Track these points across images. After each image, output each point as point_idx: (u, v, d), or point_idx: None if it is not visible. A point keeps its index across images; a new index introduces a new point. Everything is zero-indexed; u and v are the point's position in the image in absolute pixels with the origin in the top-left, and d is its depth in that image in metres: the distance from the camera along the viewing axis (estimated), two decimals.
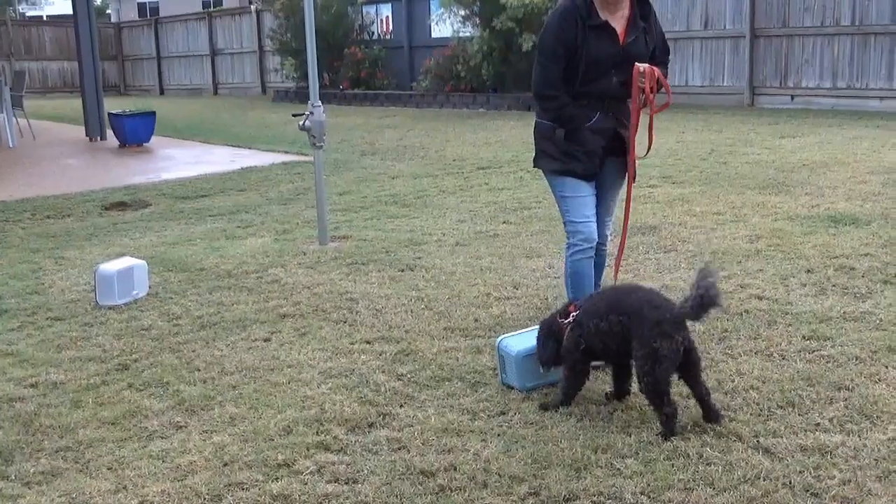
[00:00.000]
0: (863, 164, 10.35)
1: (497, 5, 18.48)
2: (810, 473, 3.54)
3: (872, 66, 16.51)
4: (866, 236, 7.01)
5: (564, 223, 4.93)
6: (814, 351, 4.76)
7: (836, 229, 7.28)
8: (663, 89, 4.73)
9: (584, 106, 4.74)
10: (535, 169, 5.20)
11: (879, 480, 3.48)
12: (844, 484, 3.46)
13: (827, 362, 4.61)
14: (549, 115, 4.82)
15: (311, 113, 7.55)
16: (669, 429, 3.87)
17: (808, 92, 17.35)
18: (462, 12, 19.91)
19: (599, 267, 5.11)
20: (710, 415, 3.98)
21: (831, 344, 4.85)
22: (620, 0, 4.67)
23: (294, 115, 8.00)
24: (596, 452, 3.78)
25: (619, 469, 3.64)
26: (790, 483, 3.48)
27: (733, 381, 4.43)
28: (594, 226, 4.86)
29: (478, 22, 19.67)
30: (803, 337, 4.97)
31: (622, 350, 4.04)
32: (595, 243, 4.87)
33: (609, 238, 5.20)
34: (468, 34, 20.06)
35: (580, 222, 4.83)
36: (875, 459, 3.63)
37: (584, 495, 3.46)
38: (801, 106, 17.16)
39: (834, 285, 5.88)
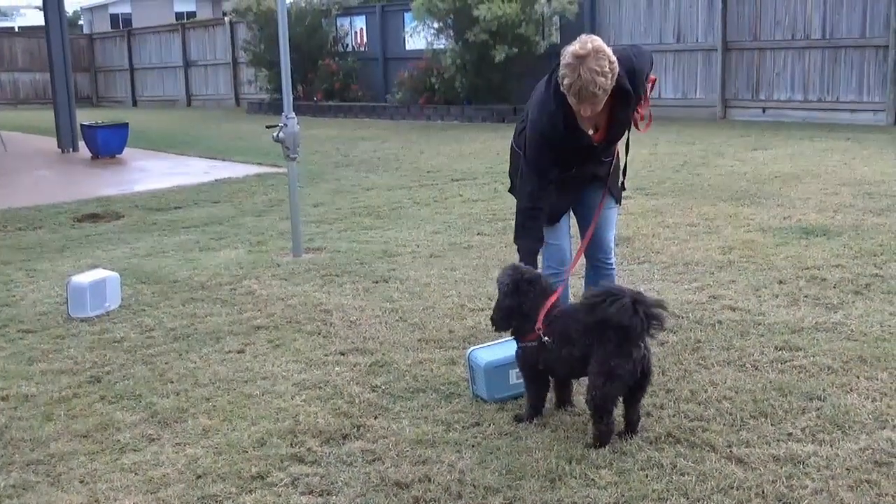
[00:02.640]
0: (834, 176, 10.44)
1: (470, 18, 18.54)
2: (783, 483, 3.56)
3: (843, 80, 16.68)
4: (838, 247, 7.07)
5: None
6: (786, 361, 4.79)
7: (807, 241, 7.34)
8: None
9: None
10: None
11: (851, 490, 3.50)
12: (817, 493, 3.48)
13: (799, 372, 4.64)
14: (522, 222, 4.57)
15: (285, 125, 7.53)
16: (601, 443, 3.90)
17: (779, 105, 17.49)
18: (436, 25, 19.96)
19: (610, 280, 4.97)
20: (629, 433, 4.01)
21: (803, 354, 4.88)
22: (598, 106, 4.28)
23: (268, 127, 7.98)
24: (570, 463, 3.78)
25: (593, 480, 3.65)
26: (763, 493, 3.49)
27: (706, 391, 4.45)
28: (566, 249, 4.84)
29: (451, 34, 19.72)
30: (776, 347, 5.00)
31: (581, 370, 4.04)
32: (565, 266, 4.80)
33: (613, 251, 5.06)
34: (442, 46, 20.11)
35: (552, 244, 4.78)
36: (847, 469, 3.65)
37: None
38: (772, 119, 17.30)
39: (806, 296, 5.92)
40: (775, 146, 13.47)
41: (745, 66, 17.96)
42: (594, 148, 4.55)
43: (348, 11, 24.83)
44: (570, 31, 19.34)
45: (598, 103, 4.22)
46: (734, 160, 12.10)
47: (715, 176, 10.74)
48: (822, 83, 16.96)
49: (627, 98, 4.38)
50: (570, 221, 4.99)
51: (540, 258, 4.67)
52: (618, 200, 4.97)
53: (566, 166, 4.55)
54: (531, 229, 4.54)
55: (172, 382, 4.87)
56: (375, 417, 4.32)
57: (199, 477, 3.79)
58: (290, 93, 7.72)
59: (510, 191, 5.03)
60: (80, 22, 62.45)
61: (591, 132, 4.47)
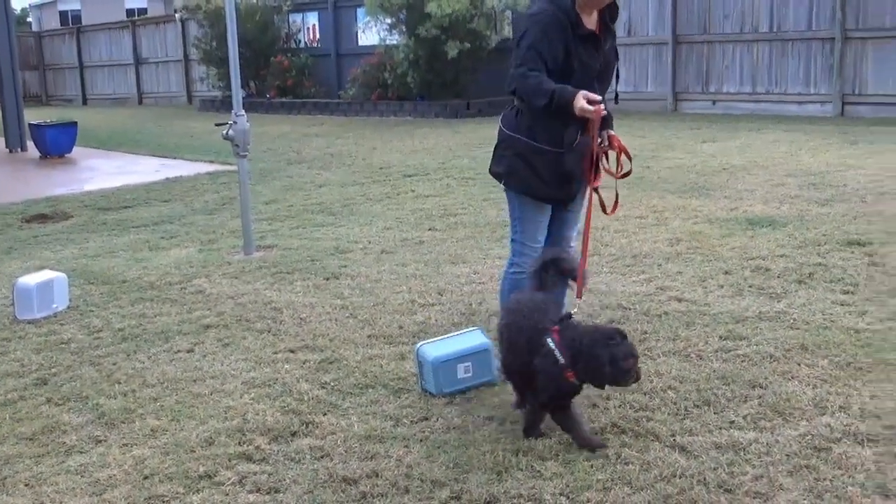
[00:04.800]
0: (780, 167, 10.59)
1: (422, 14, 18.54)
2: (724, 470, 3.63)
3: (790, 72, 16.89)
4: (782, 238, 7.18)
5: (513, 240, 4.77)
6: (730, 350, 4.87)
7: (753, 231, 7.45)
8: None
9: (569, 125, 4.45)
10: (496, 182, 4.86)
11: (790, 475, 3.58)
12: (757, 479, 3.55)
13: (742, 361, 4.72)
14: (536, 94, 4.32)
15: (235, 122, 7.50)
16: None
17: (729, 97, 17.69)
18: (388, 20, 19.92)
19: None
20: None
21: (747, 343, 4.96)
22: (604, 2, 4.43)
23: (217, 125, 7.94)
24: (517, 455, 3.82)
25: (539, 471, 3.69)
26: (705, 480, 3.56)
27: (651, 381, 4.51)
28: (541, 250, 4.73)
29: (404, 30, 19.70)
30: (720, 337, 5.08)
31: None
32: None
33: (573, 248, 5.02)
34: (395, 42, 20.08)
35: (531, 246, 4.68)
36: (786, 455, 3.73)
37: (504, 498, 3.51)
38: (722, 111, 17.48)
39: (750, 286, 6.01)
40: (724, 138, 13.62)
41: (695, 60, 18.13)
42: (596, 56, 4.46)
43: (300, 7, 24.67)
44: (522, 26, 19.38)
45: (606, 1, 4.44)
46: (684, 153, 12.23)
47: (664, 169, 10.85)
48: (770, 75, 17.16)
49: (616, 10, 4.56)
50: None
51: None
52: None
53: (566, 74, 4.39)
54: (548, 80, 4.31)
55: (120, 383, 4.85)
56: (324, 414, 4.34)
57: (145, 478, 3.79)
58: (240, 90, 7.70)
59: (504, 183, 4.73)
60: (29, 19, 61.60)
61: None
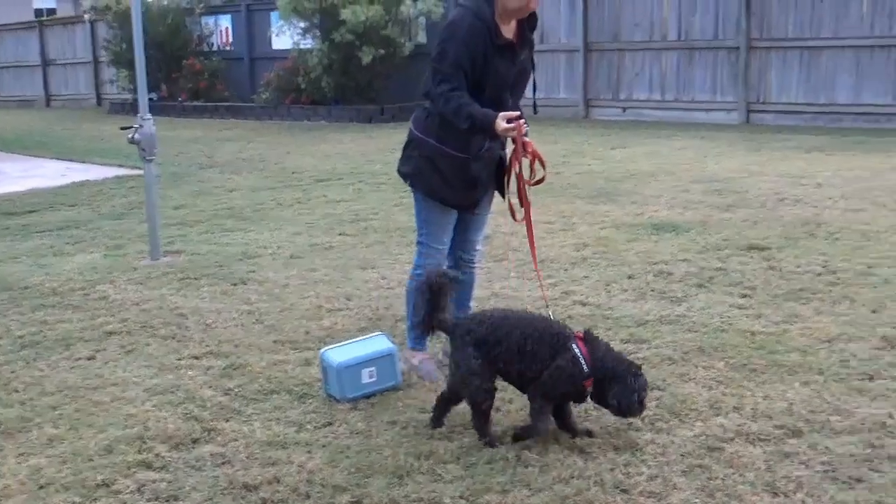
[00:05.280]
0: (686, 173, 10.82)
1: (337, 19, 18.50)
2: (620, 471, 3.71)
3: (697, 80, 17.26)
4: (685, 243, 7.34)
5: (419, 242, 4.82)
6: (631, 353, 4.94)
7: (657, 236, 7.61)
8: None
9: (484, 135, 4.49)
10: (404, 183, 4.90)
11: (684, 475, 3.67)
12: (652, 479, 3.64)
13: (642, 364, 4.78)
14: (458, 117, 4.37)
15: (141, 126, 7.40)
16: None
17: (638, 104, 18.00)
18: (302, 24, 19.83)
19: (470, 285, 5.03)
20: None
21: (647, 346, 5.08)
22: (525, 12, 4.48)
23: (122, 129, 7.82)
24: (419, 459, 3.85)
25: (440, 475, 3.72)
26: (601, 481, 3.63)
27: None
28: (446, 252, 4.83)
29: (318, 34, 19.63)
30: (622, 340, 5.18)
31: None
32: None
33: (480, 254, 5.14)
34: (309, 46, 19.99)
35: (436, 248, 4.75)
36: (681, 455, 3.83)
37: (404, 501, 3.53)
38: (632, 118, 17.78)
39: (653, 290, 6.14)
40: (633, 145, 13.87)
41: (606, 67, 18.41)
42: (511, 67, 4.50)
43: (213, 10, 24.44)
44: (436, 33, 19.49)
45: (527, 11, 4.46)
46: (593, 159, 12.42)
47: (574, 174, 11.01)
48: (678, 83, 17.52)
49: (535, 19, 4.57)
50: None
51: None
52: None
53: (480, 83, 4.43)
54: (470, 104, 4.36)
55: (18, 392, 4.75)
56: (227, 420, 4.31)
57: (41, 487, 3.72)
58: (146, 93, 7.60)
59: (410, 184, 4.79)
60: None
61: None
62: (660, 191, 9.72)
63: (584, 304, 5.88)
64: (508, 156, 4.72)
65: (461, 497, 3.55)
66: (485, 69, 4.42)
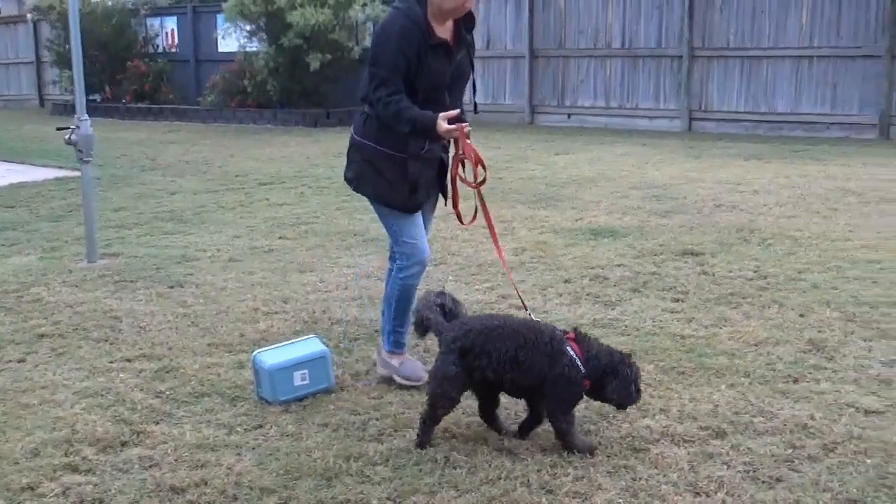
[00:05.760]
0: (627, 179, 10.95)
1: (284, 23, 18.45)
2: (547, 472, 3.75)
3: (641, 87, 17.48)
4: (622, 248, 7.43)
5: (395, 243, 4.71)
6: None
7: (595, 241, 7.69)
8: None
9: (425, 138, 4.49)
10: (352, 190, 4.84)
11: (609, 475, 3.72)
12: (577, 480, 3.69)
13: None
14: (397, 121, 4.38)
15: (78, 126, 7.33)
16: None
17: (583, 111, 18.18)
18: (248, 27, 19.74)
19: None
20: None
21: None
22: (461, 13, 4.50)
23: (59, 129, 7.74)
24: (348, 461, 3.86)
25: (368, 476, 3.74)
26: (528, 482, 3.67)
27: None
28: (427, 245, 4.72)
29: (264, 37, 19.56)
30: None
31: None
32: (426, 265, 4.74)
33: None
34: (255, 49, 19.91)
35: (413, 242, 4.64)
36: (607, 456, 3.88)
37: (332, 503, 3.54)
38: (576, 124, 17.94)
39: (588, 294, 6.21)
40: (576, 151, 13.99)
41: (551, 73, 18.57)
42: (447, 66, 4.50)
43: (159, 12, 24.24)
44: (375, 38, 19.46)
45: (462, 11, 4.48)
46: (536, 164, 12.51)
47: (516, 180, 11.08)
48: (622, 90, 17.73)
49: (471, 20, 4.60)
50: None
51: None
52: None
53: (429, 96, 4.44)
54: (409, 107, 4.36)
55: None
56: (156, 423, 4.29)
57: None
58: (83, 94, 7.52)
59: (354, 188, 4.77)
60: None
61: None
62: (600, 196, 9.83)
63: (519, 308, 5.91)
64: (450, 159, 4.73)
65: (388, 499, 3.57)
66: (419, 69, 4.42)
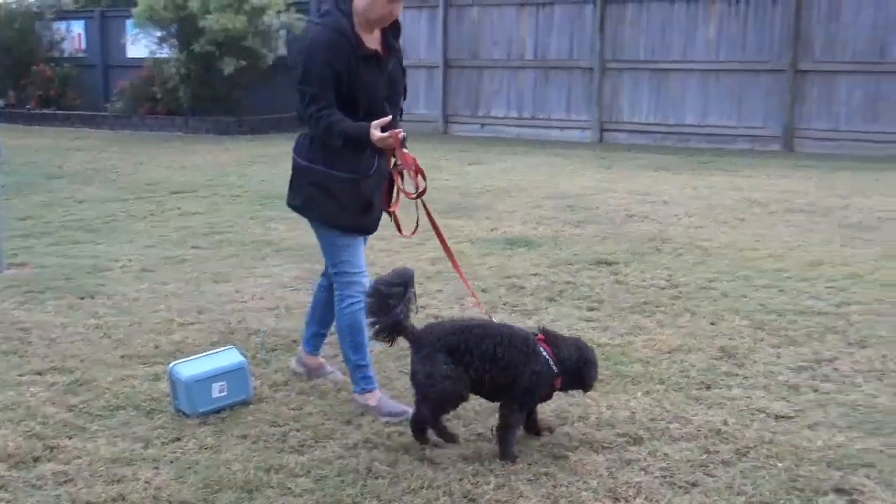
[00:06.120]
0: (540, 190, 11.08)
1: (195, 28, 18.20)
2: (469, 480, 3.78)
3: (553, 99, 17.69)
4: (537, 257, 7.52)
5: (337, 273, 4.57)
6: None
7: (511, 251, 7.77)
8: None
9: (365, 151, 4.39)
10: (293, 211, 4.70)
11: (530, 483, 3.77)
12: (499, 488, 3.72)
13: None
14: (329, 135, 4.29)
15: None
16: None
17: (496, 121, 18.32)
18: (158, 33, 19.43)
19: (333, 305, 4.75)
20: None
21: None
22: (389, 21, 4.44)
23: None
24: (268, 473, 3.84)
25: (290, 488, 3.72)
26: (450, 491, 3.69)
27: (406, 397, 4.63)
28: (368, 276, 4.61)
29: (175, 43, 19.27)
30: None
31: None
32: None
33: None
34: (165, 55, 19.59)
35: (357, 273, 4.54)
36: (528, 464, 3.92)
37: None
38: (490, 134, 18.08)
39: (504, 303, 6.27)
40: (490, 161, 14.10)
41: (465, 83, 18.68)
42: (379, 77, 4.43)
43: (64, 15, 23.70)
44: (297, 46, 19.41)
45: (389, 19, 4.43)
46: (450, 174, 12.57)
47: (431, 189, 10.94)
48: (535, 101, 17.92)
49: (398, 27, 4.54)
50: None
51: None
52: None
53: (353, 98, 4.35)
54: (340, 120, 4.27)
55: None
56: (70, 437, 4.19)
57: None
58: None
59: (305, 216, 4.63)
60: None
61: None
62: (514, 206, 9.93)
63: (436, 318, 5.94)
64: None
65: None
66: (353, 83, 4.34)
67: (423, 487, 3.72)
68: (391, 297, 4.05)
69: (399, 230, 4.72)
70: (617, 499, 3.65)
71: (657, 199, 10.34)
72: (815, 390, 4.77)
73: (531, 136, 17.58)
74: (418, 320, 5.82)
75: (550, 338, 4.15)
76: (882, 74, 14.69)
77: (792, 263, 7.34)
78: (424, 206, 4.66)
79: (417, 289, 6.54)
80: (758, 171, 12.74)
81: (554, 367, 4.05)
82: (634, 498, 3.65)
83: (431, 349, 4.00)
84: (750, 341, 5.51)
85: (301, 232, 8.61)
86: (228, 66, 18.18)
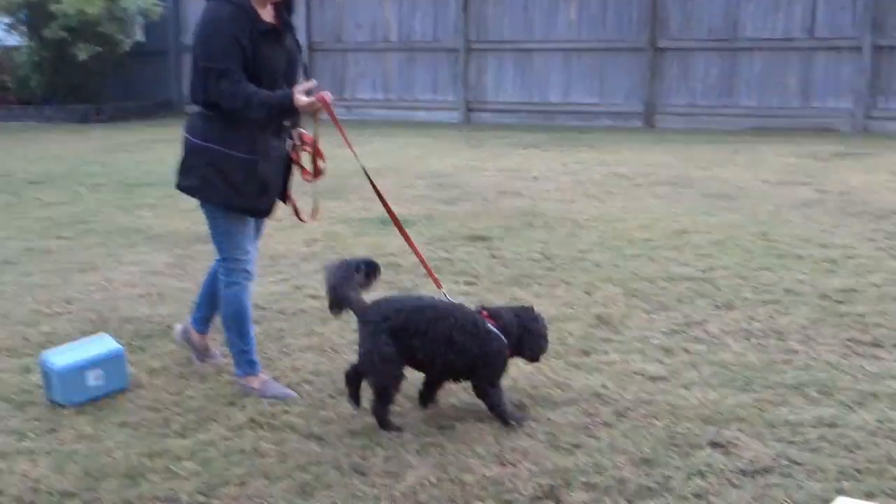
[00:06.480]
0: (411, 170, 11.11)
1: (47, 13, 17.53)
2: (358, 454, 3.78)
3: (419, 80, 17.72)
4: (412, 235, 7.40)
5: (227, 259, 4.44)
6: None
7: (385, 230, 7.75)
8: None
9: (265, 130, 4.32)
10: (185, 194, 4.52)
11: (418, 454, 3.79)
12: (388, 460, 3.74)
13: None
14: (248, 108, 4.14)
15: None
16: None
17: (363, 104, 18.24)
18: (7, 20, 18.64)
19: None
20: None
21: None
22: None
23: None
24: (152, 458, 3.76)
25: (176, 472, 3.65)
26: (339, 465, 3.69)
27: (288, 376, 4.61)
28: (254, 260, 4.55)
29: (25, 30, 18.52)
30: (353, 331, 5.23)
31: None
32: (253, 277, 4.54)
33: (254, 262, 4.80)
34: (15, 43, 18.81)
35: (244, 259, 4.44)
36: (415, 435, 3.95)
37: (139, 502, 3.44)
38: (357, 117, 17.97)
39: (382, 281, 6.19)
40: (359, 143, 13.78)
41: (330, 67, 18.52)
42: (280, 52, 4.33)
43: None
44: (155, 31, 18.97)
45: None
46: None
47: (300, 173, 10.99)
48: (400, 83, 17.91)
49: (290, 3, 4.44)
50: None
51: None
52: None
53: (256, 75, 4.20)
54: (257, 91, 4.14)
55: None
56: None
57: None
58: None
59: (198, 198, 4.45)
60: None
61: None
62: (386, 187, 9.82)
63: (315, 298, 5.92)
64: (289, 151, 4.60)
65: (199, 492, 3.50)
66: (256, 58, 4.21)
67: (311, 463, 3.71)
68: (357, 270, 4.18)
69: (297, 215, 4.64)
70: (503, 463, 3.71)
71: (527, 176, 10.50)
72: (688, 351, 4.93)
73: (398, 117, 17.58)
74: (294, 300, 5.82)
75: (493, 313, 4.18)
76: (736, 51, 15.22)
77: (660, 233, 7.57)
78: (382, 200, 4.94)
79: (293, 270, 6.55)
80: (622, 147, 13.06)
81: (504, 340, 4.10)
82: (521, 462, 3.71)
83: (377, 328, 3.98)
84: (624, 308, 5.66)
85: (170, 219, 8.45)
86: (83, 53, 17.58)
